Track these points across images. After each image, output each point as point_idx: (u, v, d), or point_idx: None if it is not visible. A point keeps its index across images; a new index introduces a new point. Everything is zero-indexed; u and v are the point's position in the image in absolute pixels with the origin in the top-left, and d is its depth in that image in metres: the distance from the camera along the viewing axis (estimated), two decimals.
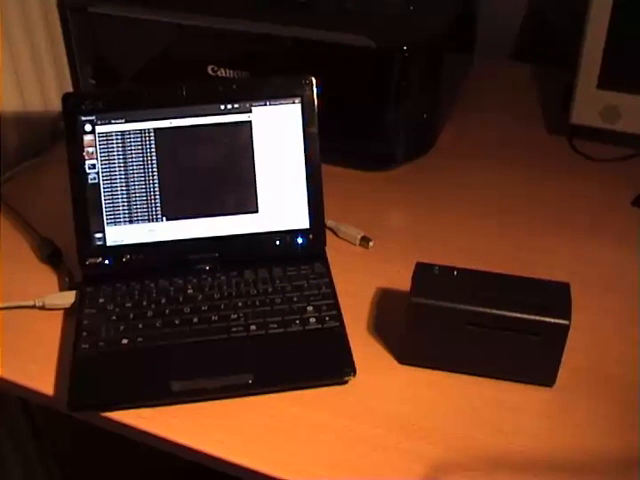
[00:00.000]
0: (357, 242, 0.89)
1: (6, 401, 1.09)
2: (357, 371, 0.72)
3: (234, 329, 0.75)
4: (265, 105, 0.82)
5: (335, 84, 0.84)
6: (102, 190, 0.81)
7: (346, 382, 0.72)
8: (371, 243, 0.88)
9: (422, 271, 0.72)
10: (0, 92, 1.03)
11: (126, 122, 0.81)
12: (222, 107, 0.81)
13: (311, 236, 0.83)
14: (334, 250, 0.85)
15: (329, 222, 0.89)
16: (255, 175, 0.82)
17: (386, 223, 0.94)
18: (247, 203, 0.82)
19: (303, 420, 0.69)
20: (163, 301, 0.78)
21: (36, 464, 1.18)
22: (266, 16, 0.95)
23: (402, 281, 0.74)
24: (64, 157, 0.81)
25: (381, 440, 0.67)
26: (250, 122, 0.82)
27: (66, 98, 0.81)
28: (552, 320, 0.68)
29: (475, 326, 0.69)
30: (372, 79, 0.92)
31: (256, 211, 0.82)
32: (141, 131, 0.81)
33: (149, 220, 0.81)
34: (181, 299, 0.78)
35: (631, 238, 0.89)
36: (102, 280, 0.80)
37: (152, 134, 0.81)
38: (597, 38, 0.94)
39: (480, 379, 0.72)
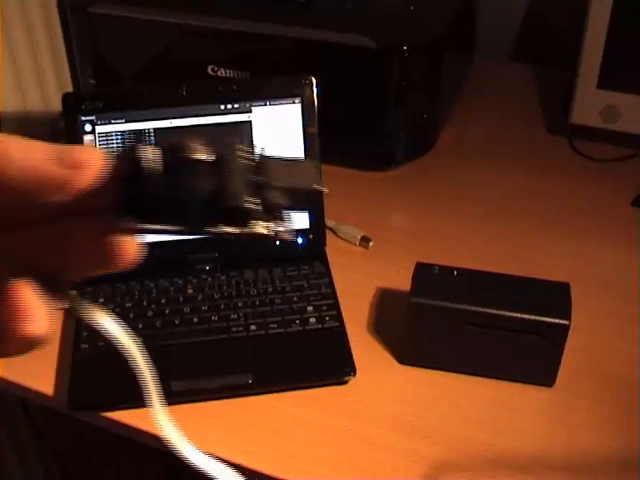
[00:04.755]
0: (357, 242, 0.89)
1: (6, 401, 1.09)
2: (357, 371, 0.72)
3: (234, 329, 0.75)
4: (265, 105, 0.82)
5: (335, 84, 0.84)
6: None
7: (346, 382, 0.72)
8: (371, 243, 0.88)
9: (422, 271, 0.72)
10: (0, 92, 1.03)
11: (126, 122, 0.81)
12: (222, 107, 0.81)
13: (311, 236, 0.83)
14: (334, 250, 0.85)
15: (329, 222, 0.89)
16: None
17: (386, 223, 0.94)
18: None
19: (303, 420, 0.69)
20: (163, 301, 0.78)
21: (36, 464, 1.18)
22: (266, 16, 0.95)
23: (402, 281, 0.74)
24: None
25: (381, 440, 0.67)
26: (250, 122, 0.82)
27: (66, 98, 0.81)
28: (552, 320, 0.68)
29: (475, 326, 0.69)
30: (372, 79, 0.92)
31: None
32: (141, 131, 0.81)
33: None
34: (181, 299, 0.78)
35: (631, 238, 0.89)
36: (102, 280, 0.80)
37: (152, 134, 0.81)
38: (597, 38, 0.94)
39: (480, 379, 0.72)
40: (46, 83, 1.11)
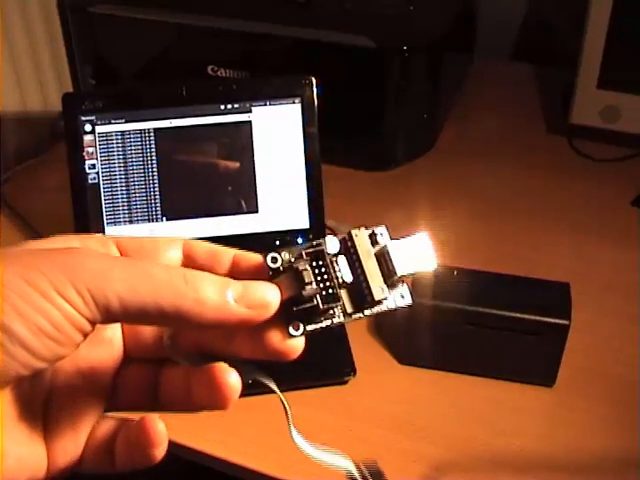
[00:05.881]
0: None
1: None
2: (357, 371, 0.72)
3: None
4: (265, 105, 0.82)
5: (335, 84, 0.84)
6: (102, 190, 0.81)
7: (346, 382, 0.72)
8: None
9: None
10: (0, 92, 1.03)
11: (126, 122, 0.81)
12: (222, 107, 0.81)
13: (311, 236, 0.83)
14: None
15: (329, 222, 0.89)
16: (255, 175, 0.82)
17: (386, 223, 0.93)
18: (247, 203, 0.82)
19: (303, 420, 0.69)
20: None
21: None
22: (266, 16, 0.95)
23: None
24: (64, 157, 0.81)
25: (381, 440, 0.67)
26: (250, 122, 0.82)
27: (66, 98, 0.81)
28: (552, 320, 0.68)
29: (475, 326, 0.69)
30: (372, 79, 0.92)
31: (256, 211, 0.82)
32: (141, 131, 0.81)
33: (149, 220, 0.81)
34: None
35: (631, 238, 0.89)
36: None
37: (152, 134, 0.81)
38: (597, 38, 0.94)
39: (480, 379, 0.72)
40: (46, 83, 1.11)
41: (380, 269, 0.33)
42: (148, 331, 0.35)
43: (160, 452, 0.33)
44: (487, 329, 0.69)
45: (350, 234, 0.33)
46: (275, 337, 0.32)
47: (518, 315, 0.68)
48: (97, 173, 0.81)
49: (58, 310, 0.28)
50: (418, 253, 0.35)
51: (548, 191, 0.97)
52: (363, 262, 0.33)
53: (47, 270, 0.29)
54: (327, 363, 0.73)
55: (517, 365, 0.71)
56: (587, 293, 0.78)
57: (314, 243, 0.33)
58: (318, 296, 0.32)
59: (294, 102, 0.82)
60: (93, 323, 0.30)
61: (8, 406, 0.31)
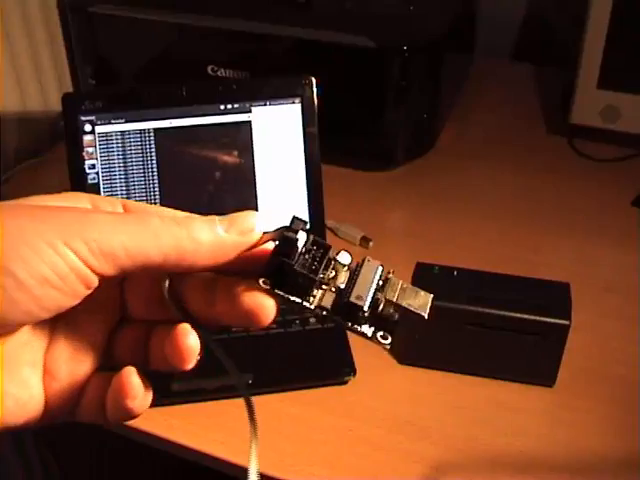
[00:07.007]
0: (357, 242, 0.89)
1: None
2: (357, 371, 0.72)
3: (234, 329, 0.75)
4: (265, 105, 0.82)
5: (335, 84, 0.84)
6: (102, 190, 0.81)
7: (346, 382, 0.72)
8: (371, 243, 0.88)
9: (422, 271, 0.72)
10: (0, 92, 1.03)
11: (126, 122, 0.81)
12: (222, 107, 0.81)
13: (311, 237, 0.83)
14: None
15: (329, 222, 0.89)
16: (255, 175, 0.82)
17: (386, 223, 0.94)
18: (247, 203, 0.82)
19: (303, 420, 0.69)
20: None
21: (36, 463, 1.18)
22: (266, 16, 0.95)
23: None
24: (64, 157, 0.81)
25: (381, 440, 0.67)
26: (250, 122, 0.82)
27: (66, 98, 0.81)
28: (552, 320, 0.68)
29: (475, 326, 0.69)
30: (372, 79, 0.92)
31: (256, 211, 0.82)
32: (141, 131, 0.81)
33: None
34: None
35: (631, 238, 0.89)
36: None
37: (152, 134, 0.81)
38: (597, 38, 0.94)
39: (480, 379, 0.72)
40: (46, 83, 1.11)
41: (374, 290, 0.34)
42: (145, 292, 0.36)
43: (136, 405, 0.34)
44: (487, 329, 0.69)
45: (364, 259, 0.35)
46: (248, 294, 0.33)
47: (518, 315, 0.68)
48: (97, 173, 0.81)
49: (64, 261, 0.30)
50: (416, 297, 0.36)
51: (548, 191, 0.97)
52: (360, 278, 0.34)
53: (56, 223, 0.30)
54: (327, 363, 0.73)
55: (517, 365, 0.71)
56: (587, 293, 0.78)
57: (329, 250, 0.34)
58: (297, 257, 0.33)
59: (294, 102, 0.82)
60: (100, 275, 0.31)
61: (10, 350, 0.32)
